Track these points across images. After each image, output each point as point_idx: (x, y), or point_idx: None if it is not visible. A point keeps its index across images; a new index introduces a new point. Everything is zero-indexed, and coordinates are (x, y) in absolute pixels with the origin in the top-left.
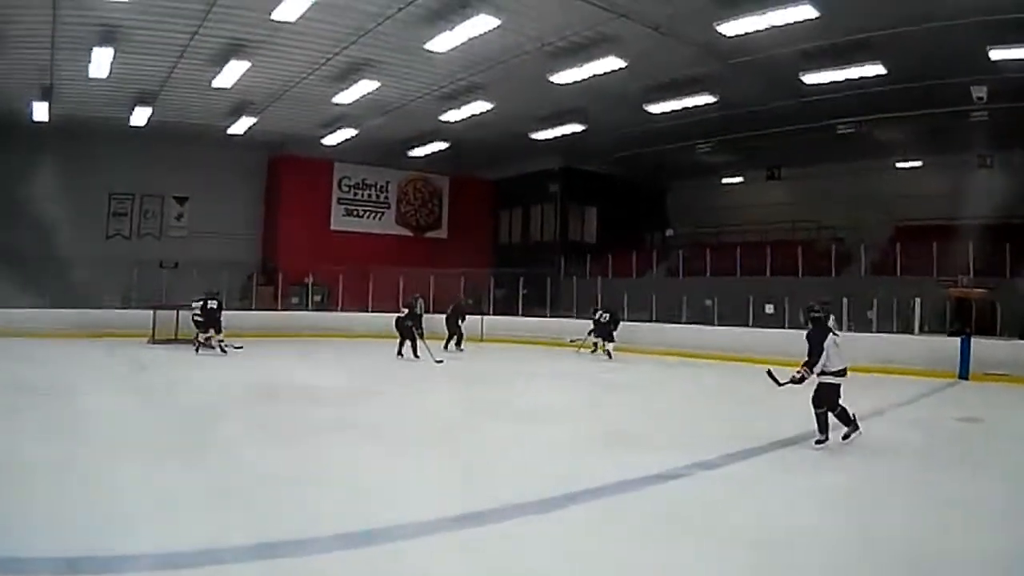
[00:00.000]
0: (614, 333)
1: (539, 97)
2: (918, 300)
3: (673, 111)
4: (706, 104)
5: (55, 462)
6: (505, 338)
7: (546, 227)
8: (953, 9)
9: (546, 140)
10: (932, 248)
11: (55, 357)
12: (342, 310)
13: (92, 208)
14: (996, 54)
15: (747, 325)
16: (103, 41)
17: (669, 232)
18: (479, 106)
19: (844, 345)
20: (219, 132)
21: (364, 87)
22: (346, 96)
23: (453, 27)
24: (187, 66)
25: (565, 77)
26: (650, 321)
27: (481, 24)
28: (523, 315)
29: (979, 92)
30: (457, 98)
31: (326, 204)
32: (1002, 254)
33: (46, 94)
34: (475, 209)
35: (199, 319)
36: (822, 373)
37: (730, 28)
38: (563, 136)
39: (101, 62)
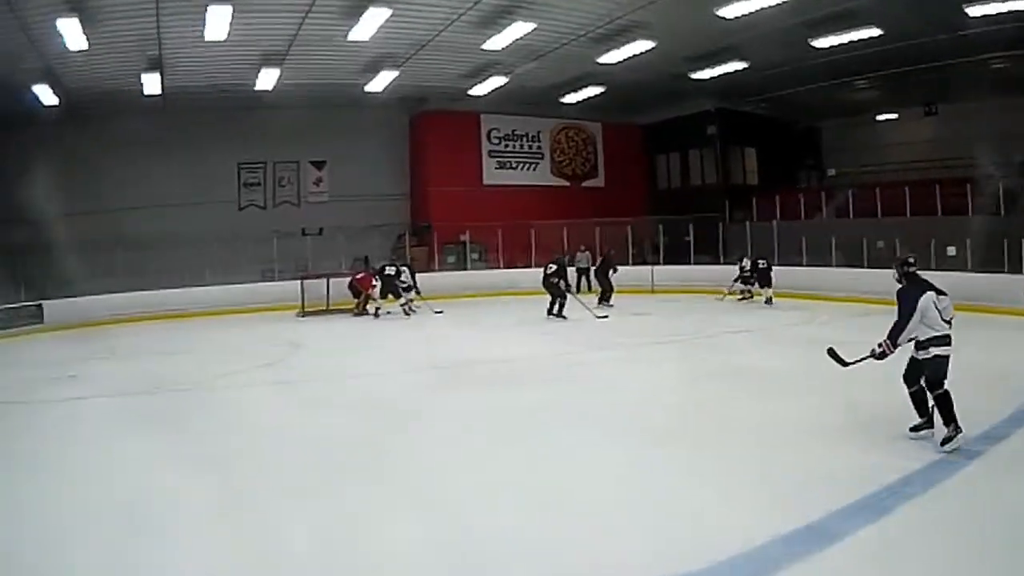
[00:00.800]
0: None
1: (702, 34)
2: None
3: (839, 45)
4: (869, 38)
5: (205, 499)
6: (676, 288)
7: (706, 171)
8: None
9: (705, 80)
10: None
11: (200, 342)
12: (504, 267)
13: (222, 180)
14: None
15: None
16: None
17: (831, 172)
18: (640, 45)
19: (948, 305)
20: (355, 91)
21: (517, 30)
22: (497, 41)
23: None
24: (318, 19)
25: (733, 10)
26: (825, 265)
27: None
28: (694, 263)
29: None
30: (615, 38)
31: (476, 158)
32: None
33: (155, 64)
34: (630, 156)
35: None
36: (917, 344)
37: None
38: (723, 75)
39: (217, 23)
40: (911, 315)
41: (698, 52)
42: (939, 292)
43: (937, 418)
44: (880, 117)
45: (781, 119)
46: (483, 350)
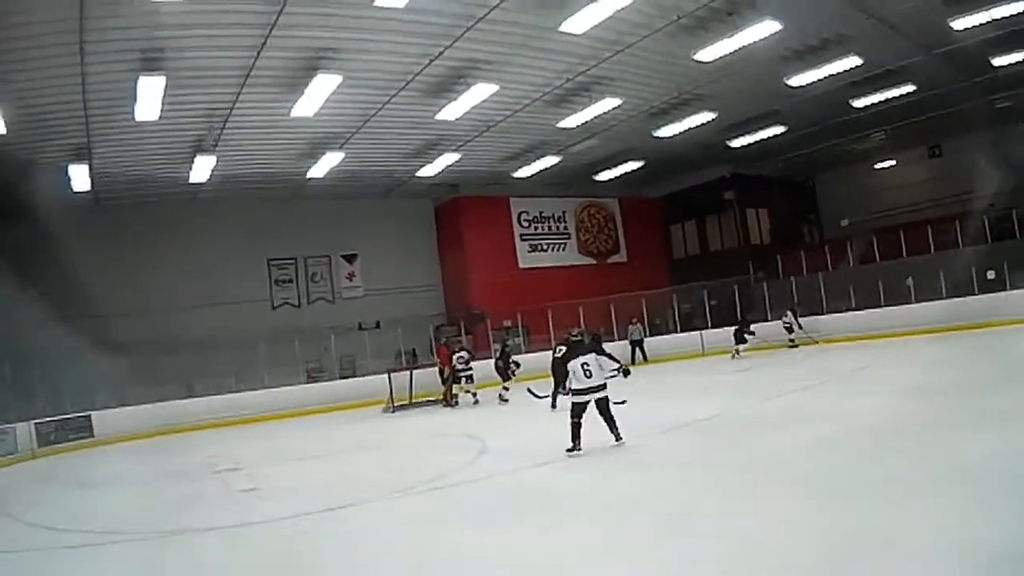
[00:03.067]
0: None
1: (756, 101)
2: None
3: (876, 103)
4: (904, 94)
5: None
6: (722, 349)
7: (725, 235)
8: None
9: (739, 147)
10: None
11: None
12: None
13: (253, 277)
14: None
15: (972, 293)
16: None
17: (844, 222)
18: (700, 117)
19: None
20: (401, 178)
21: (604, 105)
22: (577, 118)
23: (730, 35)
24: (405, 99)
25: (800, 79)
26: (851, 310)
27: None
28: (712, 327)
29: None
30: (675, 111)
31: (510, 242)
32: None
33: (196, 150)
34: (647, 228)
35: (498, 366)
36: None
37: (958, 23)
38: (759, 141)
39: (300, 107)
40: (566, 376)
41: (742, 119)
42: (600, 353)
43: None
44: (880, 165)
45: (787, 178)
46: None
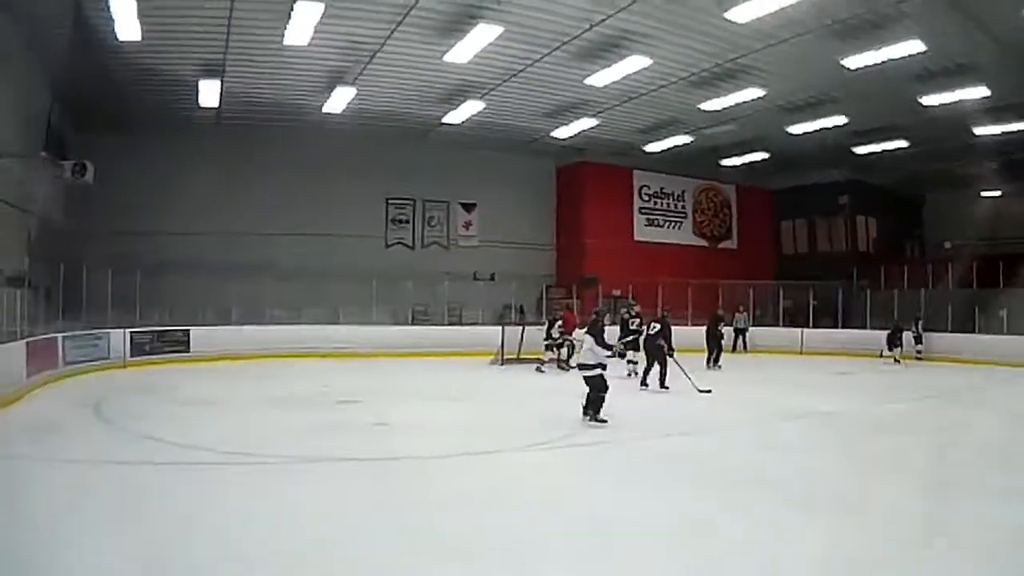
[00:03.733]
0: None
1: (894, 113)
2: None
3: (1003, 133)
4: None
5: None
6: (827, 350)
7: (834, 239)
8: None
9: (864, 154)
10: None
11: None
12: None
13: (371, 213)
14: None
15: None
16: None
17: (947, 244)
18: (832, 120)
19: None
20: (532, 136)
21: (747, 94)
22: (719, 102)
23: (876, 47)
24: (557, 59)
25: (933, 100)
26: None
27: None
28: (813, 327)
29: None
30: (810, 108)
31: (629, 213)
32: None
33: (337, 80)
34: (758, 220)
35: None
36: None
37: None
38: (884, 151)
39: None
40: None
41: (870, 128)
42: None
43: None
44: (985, 192)
45: (899, 191)
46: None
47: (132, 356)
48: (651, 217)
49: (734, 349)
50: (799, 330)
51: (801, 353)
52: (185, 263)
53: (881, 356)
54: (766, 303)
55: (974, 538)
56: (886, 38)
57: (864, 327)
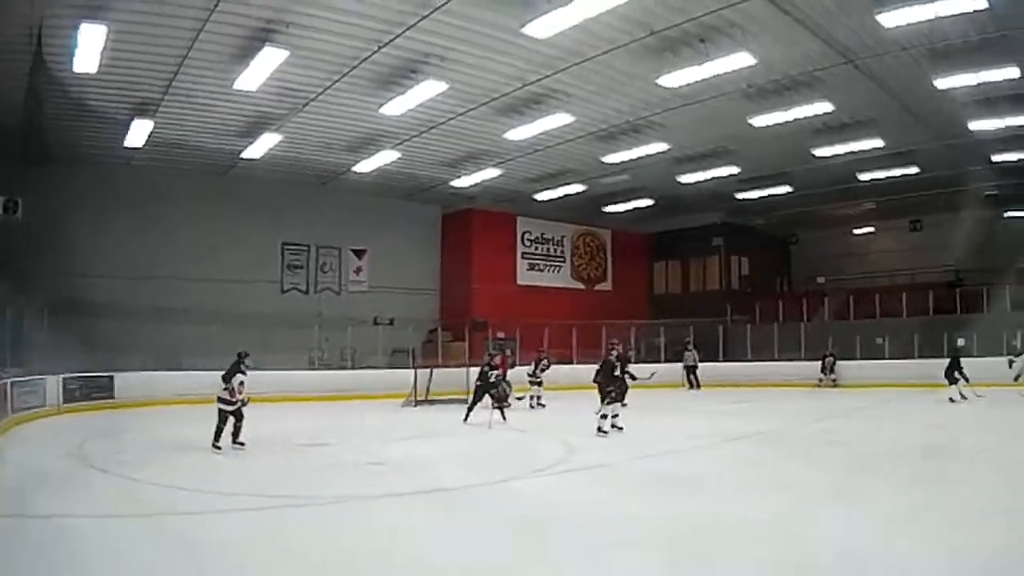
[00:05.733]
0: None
1: (780, 162)
2: None
3: (886, 178)
4: (905, 175)
5: None
6: (715, 383)
7: (708, 277)
8: None
9: (755, 200)
10: None
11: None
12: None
13: (267, 259)
14: None
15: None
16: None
17: (820, 279)
18: (726, 170)
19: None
20: (433, 184)
21: (651, 148)
22: (623, 155)
23: (786, 108)
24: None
25: (826, 152)
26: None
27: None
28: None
29: None
30: (704, 160)
31: (512, 259)
32: None
33: (253, 131)
34: (633, 261)
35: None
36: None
37: (975, 125)
38: (768, 197)
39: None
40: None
41: (759, 175)
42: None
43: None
44: (861, 231)
45: (770, 231)
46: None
47: (64, 402)
48: (533, 262)
49: (691, 386)
50: (680, 364)
51: (690, 388)
52: (108, 306)
53: (819, 384)
54: (643, 341)
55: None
56: (797, 100)
57: (746, 359)
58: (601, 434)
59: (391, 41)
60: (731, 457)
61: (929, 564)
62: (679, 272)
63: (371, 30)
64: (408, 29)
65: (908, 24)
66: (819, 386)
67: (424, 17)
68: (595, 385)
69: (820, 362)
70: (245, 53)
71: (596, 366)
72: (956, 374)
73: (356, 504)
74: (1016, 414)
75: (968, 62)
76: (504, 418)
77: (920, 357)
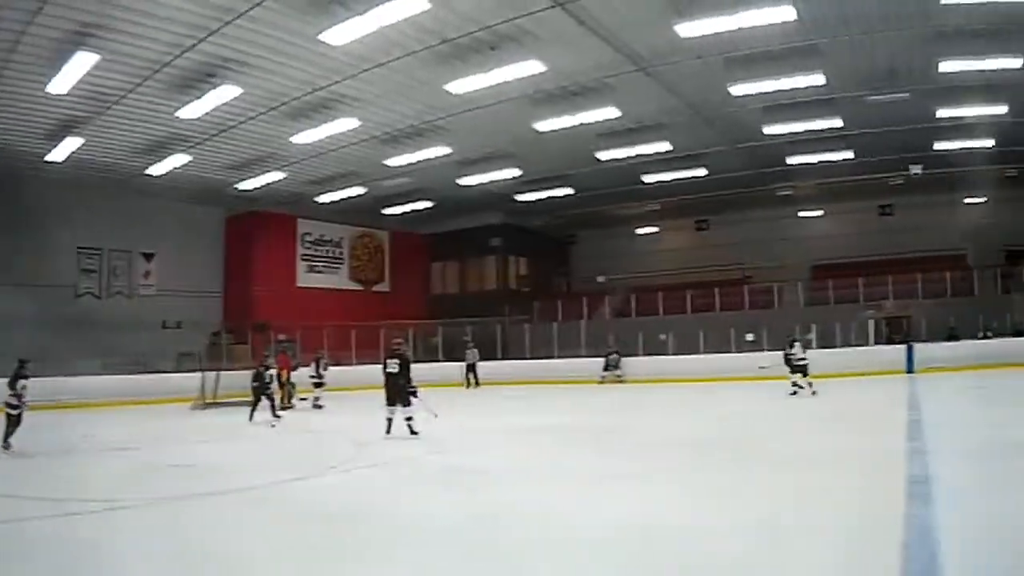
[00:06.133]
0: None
1: (569, 165)
2: (871, 322)
3: (673, 179)
4: (695, 177)
5: None
6: (489, 381)
7: (485, 278)
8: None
9: (530, 202)
10: (857, 282)
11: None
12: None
13: (62, 262)
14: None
15: (730, 351)
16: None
17: (601, 278)
18: (507, 172)
19: None
20: (221, 186)
21: (434, 152)
22: (406, 159)
23: (574, 113)
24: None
25: (610, 155)
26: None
27: (600, 113)
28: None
29: (915, 169)
30: (483, 163)
31: (292, 261)
32: (913, 282)
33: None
34: (411, 262)
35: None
36: None
37: (769, 129)
38: (548, 198)
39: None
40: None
41: (541, 177)
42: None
43: None
44: (646, 231)
45: (549, 231)
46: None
47: None
48: (312, 264)
49: (468, 385)
50: (461, 364)
51: (469, 386)
52: None
53: (602, 380)
54: (423, 341)
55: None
56: (584, 105)
57: (525, 358)
58: (414, 434)
59: (194, 46)
60: (516, 449)
61: (695, 532)
62: (457, 272)
63: (177, 34)
64: (212, 34)
65: (707, 34)
66: (603, 382)
67: (228, 23)
68: (387, 385)
69: (603, 359)
70: (59, 57)
71: (395, 366)
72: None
73: (173, 505)
74: (796, 405)
75: (768, 70)
76: (275, 418)
77: (706, 352)
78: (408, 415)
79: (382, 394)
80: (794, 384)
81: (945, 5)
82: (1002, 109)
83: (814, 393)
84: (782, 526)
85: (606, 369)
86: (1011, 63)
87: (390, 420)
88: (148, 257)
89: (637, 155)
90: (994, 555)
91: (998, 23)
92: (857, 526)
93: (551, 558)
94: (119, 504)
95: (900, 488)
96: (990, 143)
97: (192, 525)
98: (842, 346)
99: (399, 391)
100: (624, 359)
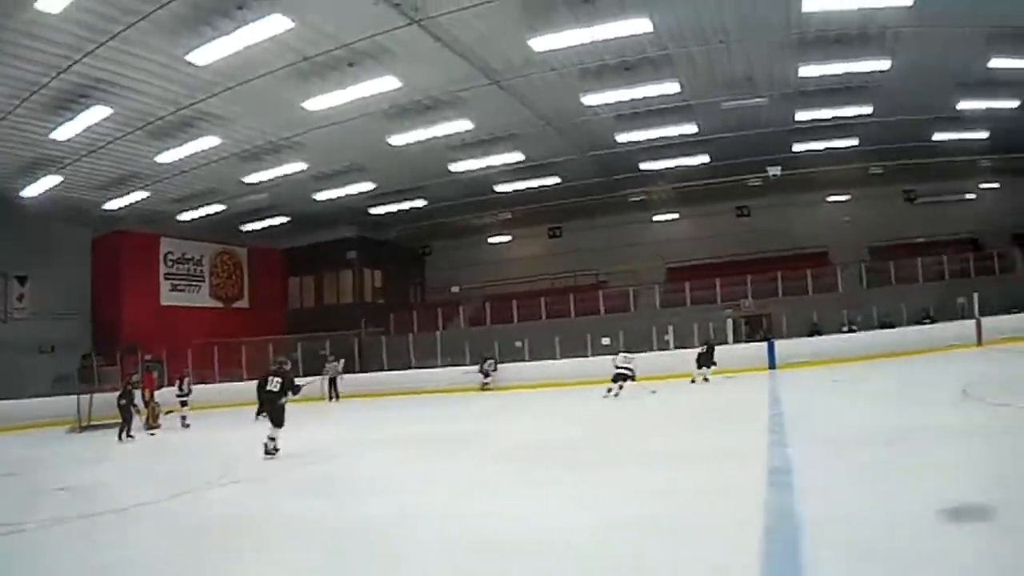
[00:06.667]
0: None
1: (422, 177)
2: (730, 321)
3: (525, 188)
4: (543, 186)
5: None
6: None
7: (341, 291)
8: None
9: (387, 214)
10: (714, 282)
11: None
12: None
13: None
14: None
15: (586, 356)
16: None
17: (455, 288)
18: (361, 186)
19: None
20: (87, 206)
21: (291, 167)
22: (263, 175)
23: (427, 127)
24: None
25: (463, 166)
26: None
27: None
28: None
29: (774, 170)
30: (340, 176)
31: (156, 280)
32: (773, 280)
33: None
34: (269, 277)
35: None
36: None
37: (623, 136)
38: (401, 211)
39: None
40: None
41: (394, 190)
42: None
43: None
44: (499, 240)
45: (403, 243)
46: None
47: None
48: (175, 283)
49: (329, 399)
50: (323, 378)
51: (330, 399)
52: None
53: (482, 388)
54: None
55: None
56: (438, 119)
57: (383, 369)
58: (274, 452)
59: (70, 67)
60: (381, 460)
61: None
62: (313, 287)
63: (54, 55)
64: (86, 55)
65: (561, 48)
66: (484, 389)
67: (102, 44)
68: (265, 402)
69: (479, 365)
70: None
71: (276, 384)
72: (708, 361)
73: (68, 526)
74: (658, 405)
75: (623, 80)
76: (129, 436)
77: (563, 357)
78: (273, 435)
79: (250, 410)
80: (609, 389)
81: (806, 13)
82: (867, 109)
83: (653, 392)
84: (649, 520)
85: (486, 376)
86: (876, 65)
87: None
88: (22, 280)
89: (489, 166)
90: (851, 535)
91: (858, 28)
92: (720, 516)
93: (427, 562)
94: (15, 528)
95: (762, 479)
96: (854, 142)
97: (95, 544)
98: (700, 346)
99: (277, 410)
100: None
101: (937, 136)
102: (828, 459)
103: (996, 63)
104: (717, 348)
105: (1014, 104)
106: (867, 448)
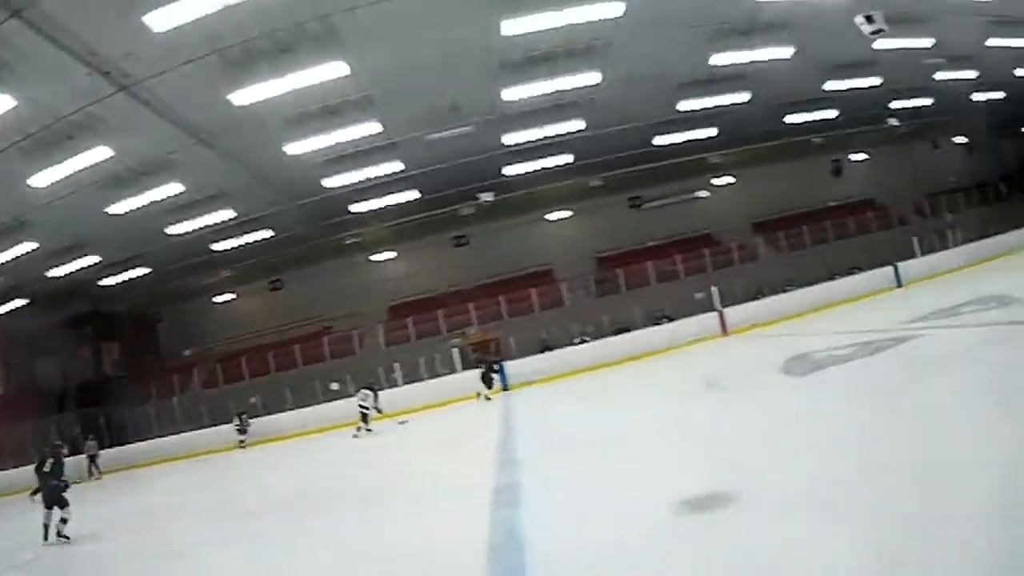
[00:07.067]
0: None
1: (142, 244)
2: (455, 350)
3: (241, 245)
4: (267, 238)
5: None
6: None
7: (84, 368)
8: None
9: (118, 284)
10: (436, 314)
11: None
12: None
13: None
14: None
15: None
16: None
17: (187, 352)
18: (90, 259)
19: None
20: None
21: (22, 248)
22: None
23: (141, 193)
24: None
25: (177, 229)
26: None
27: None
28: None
29: (486, 196)
30: (65, 253)
31: None
32: (497, 304)
33: None
34: (22, 360)
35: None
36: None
37: (328, 182)
38: (130, 280)
39: None
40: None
41: (120, 260)
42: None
43: None
44: (226, 298)
45: (136, 312)
46: None
47: None
48: None
49: (91, 476)
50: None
51: (91, 477)
52: None
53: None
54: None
55: None
56: (150, 184)
57: (129, 441)
58: (65, 538)
59: None
60: (164, 527)
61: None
62: (60, 366)
63: None
64: None
65: (260, 100)
66: (242, 446)
67: None
68: (43, 487)
69: (235, 422)
70: None
71: (51, 466)
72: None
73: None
74: (394, 442)
75: (324, 125)
76: None
77: (298, 408)
78: (64, 516)
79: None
80: (359, 428)
81: (505, 37)
82: (579, 124)
83: (402, 423)
84: (384, 554)
85: (243, 433)
86: (586, 79)
87: (47, 526)
88: None
89: (204, 225)
90: (570, 537)
91: (563, 45)
92: (448, 538)
93: None
94: None
95: (488, 497)
96: (569, 159)
97: None
98: (430, 378)
99: (56, 492)
100: (215, 429)
101: (659, 140)
102: (551, 472)
103: (719, 59)
104: (380, 393)
105: (745, 97)
106: (599, 450)
